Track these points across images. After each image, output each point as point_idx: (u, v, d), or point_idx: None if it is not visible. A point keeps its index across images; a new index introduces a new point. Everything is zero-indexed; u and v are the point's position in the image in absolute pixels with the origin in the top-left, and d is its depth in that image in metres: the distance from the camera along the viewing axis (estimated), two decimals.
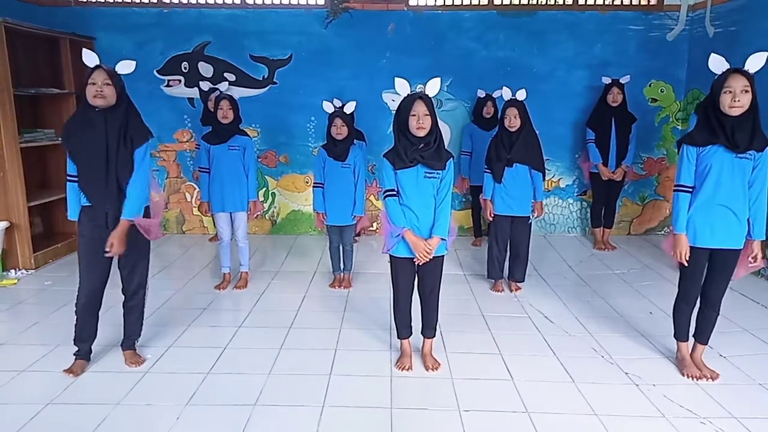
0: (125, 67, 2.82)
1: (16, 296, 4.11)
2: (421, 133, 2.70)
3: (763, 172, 2.64)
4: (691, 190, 2.74)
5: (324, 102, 4.15)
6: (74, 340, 2.94)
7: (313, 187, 4.19)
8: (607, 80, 5.19)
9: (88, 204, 2.79)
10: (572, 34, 5.64)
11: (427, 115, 2.67)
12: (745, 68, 2.57)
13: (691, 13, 5.54)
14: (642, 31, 5.64)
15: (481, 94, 5.36)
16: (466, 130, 5.53)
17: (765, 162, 2.63)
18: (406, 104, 2.70)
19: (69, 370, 2.90)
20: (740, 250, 2.75)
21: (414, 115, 2.68)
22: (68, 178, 2.82)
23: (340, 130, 3.95)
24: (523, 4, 5.64)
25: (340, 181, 4.06)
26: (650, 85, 5.74)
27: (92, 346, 3.01)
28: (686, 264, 2.79)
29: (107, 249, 2.74)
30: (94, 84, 2.68)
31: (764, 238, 2.75)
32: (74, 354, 2.96)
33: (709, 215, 2.70)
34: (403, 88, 2.80)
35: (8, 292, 4.19)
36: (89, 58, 2.77)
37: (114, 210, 2.77)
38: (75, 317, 2.90)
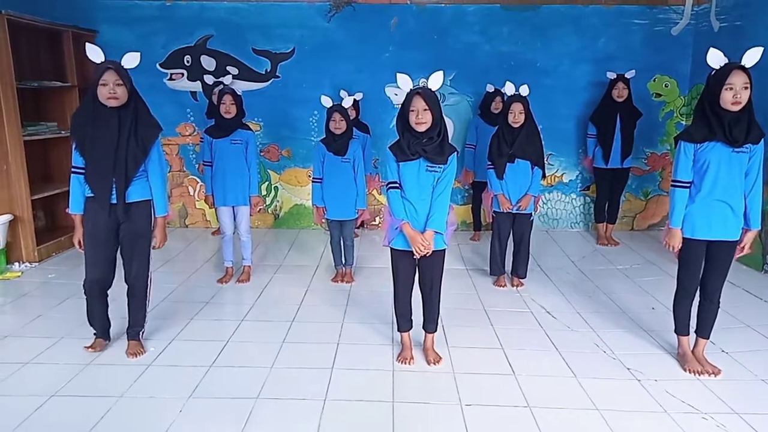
0: (131, 60, 2.82)
1: (20, 289, 4.12)
2: (421, 128, 2.69)
3: (758, 162, 2.68)
4: (688, 185, 2.76)
5: (322, 96, 4.13)
6: (89, 322, 3.08)
7: (312, 181, 4.19)
8: (612, 75, 5.16)
9: (91, 195, 2.84)
10: (576, 29, 5.61)
11: (426, 110, 2.66)
12: (742, 63, 2.58)
13: (696, 7, 5.50)
14: (647, 26, 5.60)
15: (490, 88, 5.29)
16: (472, 123, 5.50)
17: (760, 153, 2.67)
18: (407, 99, 2.71)
19: (90, 346, 3.04)
20: (736, 241, 2.78)
21: (413, 111, 2.67)
22: (73, 170, 2.86)
23: (338, 125, 3.94)
24: None
25: (339, 176, 4.05)
26: (654, 80, 5.71)
27: (109, 332, 3.16)
28: (677, 256, 2.85)
29: (155, 246, 2.97)
30: (105, 85, 2.70)
31: (759, 228, 2.80)
32: (93, 334, 3.10)
33: (706, 209, 2.74)
34: (404, 83, 2.79)
35: (12, 285, 4.20)
36: (94, 53, 2.79)
37: (121, 201, 2.82)
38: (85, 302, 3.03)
